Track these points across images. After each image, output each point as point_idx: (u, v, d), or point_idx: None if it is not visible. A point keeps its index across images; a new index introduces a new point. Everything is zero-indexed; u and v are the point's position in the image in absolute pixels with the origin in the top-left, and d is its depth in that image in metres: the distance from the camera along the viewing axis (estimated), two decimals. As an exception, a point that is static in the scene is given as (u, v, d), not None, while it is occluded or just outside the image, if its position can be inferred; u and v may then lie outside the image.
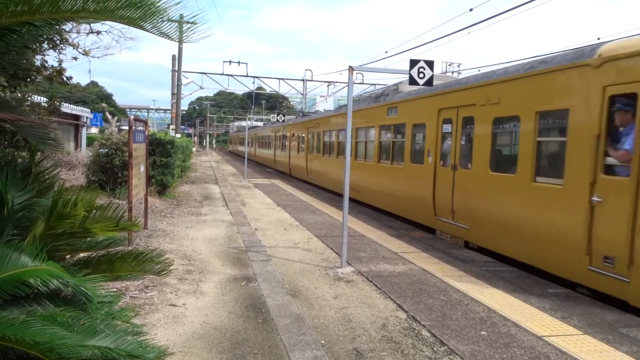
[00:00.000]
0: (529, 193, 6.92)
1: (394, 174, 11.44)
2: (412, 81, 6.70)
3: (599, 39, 16.65)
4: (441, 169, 9.36)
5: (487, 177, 7.94)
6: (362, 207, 13.26)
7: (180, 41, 2.89)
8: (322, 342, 4.26)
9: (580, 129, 6.05)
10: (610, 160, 5.68)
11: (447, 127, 9.22)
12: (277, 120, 26.21)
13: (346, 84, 7.11)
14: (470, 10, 17.90)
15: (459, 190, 8.70)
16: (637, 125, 5.31)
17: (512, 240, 7.28)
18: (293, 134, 24.57)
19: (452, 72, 28.56)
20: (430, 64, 6.63)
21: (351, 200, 14.53)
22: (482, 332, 4.56)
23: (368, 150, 13.59)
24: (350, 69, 6.80)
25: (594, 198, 5.75)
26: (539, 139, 6.90)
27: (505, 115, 7.67)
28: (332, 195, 16.03)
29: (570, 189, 6.13)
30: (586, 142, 5.90)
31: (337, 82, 36.75)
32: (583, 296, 5.94)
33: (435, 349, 4.19)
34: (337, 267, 6.84)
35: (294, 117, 27.47)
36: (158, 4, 2.56)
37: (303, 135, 22.12)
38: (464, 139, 8.75)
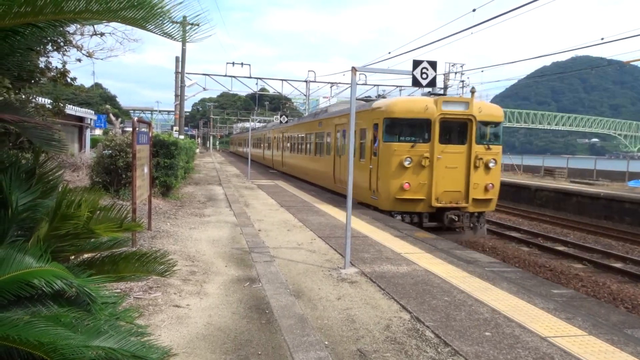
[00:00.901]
0: (360, 166, 13.36)
1: (320, 161, 18.70)
2: (415, 82, 6.65)
3: (602, 38, 16.62)
4: (337, 157, 16.30)
5: (347, 160, 14.92)
6: (362, 207, 13.35)
7: (184, 41, 2.88)
8: (326, 342, 4.26)
9: (368, 137, 12.98)
10: (374, 149, 12.49)
11: (339, 135, 16.24)
12: (264, 126, 33.68)
13: (349, 85, 7.09)
14: (474, 10, 17.90)
15: (342, 168, 15.54)
16: (378, 136, 12.34)
17: (359, 191, 13.38)
18: (275, 137, 31.65)
19: (456, 73, 28.57)
20: (433, 64, 6.60)
21: (297, 178, 23.78)
22: (486, 333, 4.55)
23: (310, 148, 20.88)
24: (354, 70, 6.76)
25: (370, 166, 12.73)
26: (361, 141, 13.69)
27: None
28: (334, 196, 16.15)
29: (366, 163, 13.14)
30: (370, 142, 12.79)
31: (340, 83, 36.68)
32: (587, 297, 5.98)
33: (439, 349, 4.18)
34: (340, 268, 6.84)
35: (280, 120, 30.39)
36: (161, 5, 2.55)
37: (280, 137, 29.22)
38: (344, 141, 15.60)
